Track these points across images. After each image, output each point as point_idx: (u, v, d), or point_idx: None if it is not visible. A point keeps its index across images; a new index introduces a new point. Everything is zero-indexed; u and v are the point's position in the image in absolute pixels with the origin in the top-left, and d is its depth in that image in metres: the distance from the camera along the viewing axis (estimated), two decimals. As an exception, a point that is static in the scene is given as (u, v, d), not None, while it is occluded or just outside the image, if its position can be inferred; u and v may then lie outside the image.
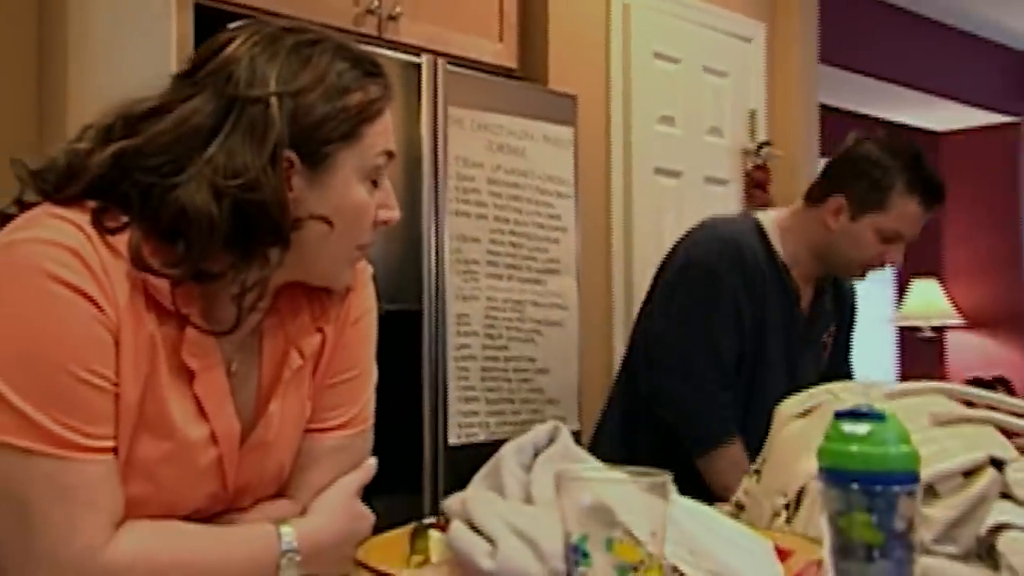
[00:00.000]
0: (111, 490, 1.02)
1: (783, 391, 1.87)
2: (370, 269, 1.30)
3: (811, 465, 1.22)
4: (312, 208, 1.11)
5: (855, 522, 0.86)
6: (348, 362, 1.24)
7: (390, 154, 1.18)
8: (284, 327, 1.18)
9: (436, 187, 2.47)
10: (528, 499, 1.08)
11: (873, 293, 7.54)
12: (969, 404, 1.32)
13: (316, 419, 1.21)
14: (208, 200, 1.04)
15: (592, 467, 1.08)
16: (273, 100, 1.08)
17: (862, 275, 2.18)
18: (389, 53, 2.41)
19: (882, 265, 2.13)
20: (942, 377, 7.19)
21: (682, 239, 2.22)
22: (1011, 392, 6.26)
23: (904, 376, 7.36)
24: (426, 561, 1.13)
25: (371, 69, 1.16)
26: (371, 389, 1.28)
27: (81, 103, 2.52)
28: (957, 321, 7.20)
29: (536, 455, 1.16)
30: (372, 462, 1.25)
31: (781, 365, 2.14)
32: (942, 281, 7.29)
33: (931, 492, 1.13)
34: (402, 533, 1.16)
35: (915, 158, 2.07)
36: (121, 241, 1.04)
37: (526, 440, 1.17)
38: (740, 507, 1.44)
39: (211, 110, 1.08)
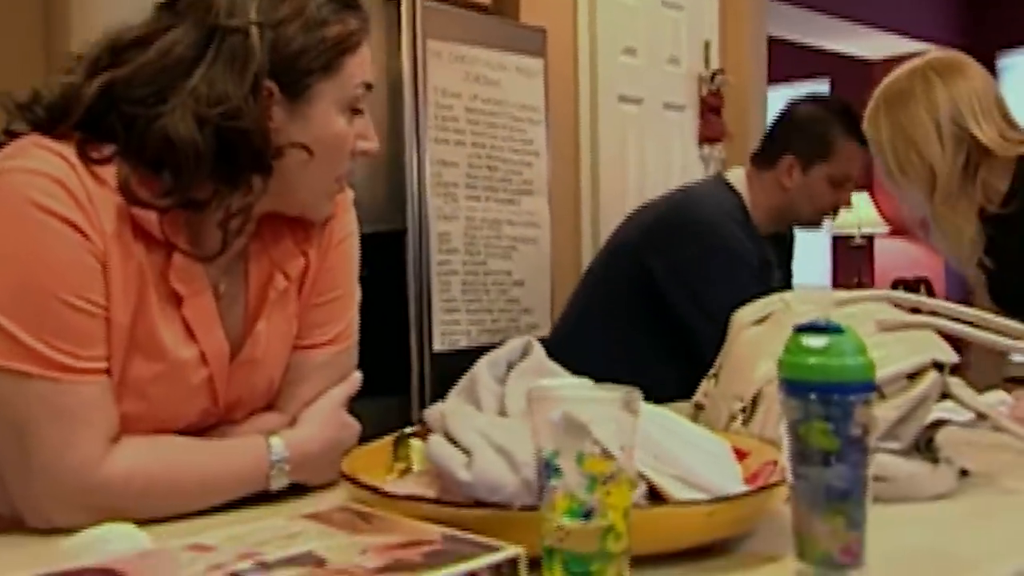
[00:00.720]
0: (105, 408, 0.95)
1: None
2: (351, 194, 1.21)
3: (766, 370, 1.16)
4: (292, 137, 1.04)
5: (813, 430, 0.80)
6: (332, 283, 1.17)
7: (368, 86, 1.10)
8: (268, 251, 1.11)
9: (417, 116, 2.38)
10: (502, 411, 1.01)
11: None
12: (915, 311, 1.25)
13: (303, 336, 1.14)
14: (192, 128, 0.96)
15: (563, 383, 1.01)
16: (253, 30, 0.99)
17: (820, 224, 2.19)
18: (371, -9, 2.30)
19: (836, 210, 2.14)
20: (871, 280, 7.22)
21: (675, 205, 2.17)
22: (931, 291, 6.28)
23: (837, 280, 7.37)
24: (407, 469, 1.07)
25: (349, 2, 1.07)
26: (355, 308, 1.21)
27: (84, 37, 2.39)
28: (884, 229, 7.18)
29: (510, 369, 1.08)
30: (357, 376, 1.19)
31: None
32: (872, 193, 7.25)
33: (878, 393, 1.07)
34: (384, 443, 1.09)
35: (845, 108, 2.12)
36: (107, 172, 0.96)
37: (500, 354, 1.09)
38: (699, 407, 1.38)
39: (192, 40, 0.99)
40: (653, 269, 2.07)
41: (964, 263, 1.88)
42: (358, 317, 1.21)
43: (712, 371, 1.40)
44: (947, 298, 6.62)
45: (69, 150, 0.94)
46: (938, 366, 1.09)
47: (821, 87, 6.81)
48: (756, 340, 1.29)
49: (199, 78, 0.97)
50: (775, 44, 4.18)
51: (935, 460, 1.11)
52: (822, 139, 2.07)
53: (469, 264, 2.49)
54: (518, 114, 2.61)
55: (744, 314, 1.43)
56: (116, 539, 0.82)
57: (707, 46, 3.45)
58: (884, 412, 1.08)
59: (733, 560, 0.88)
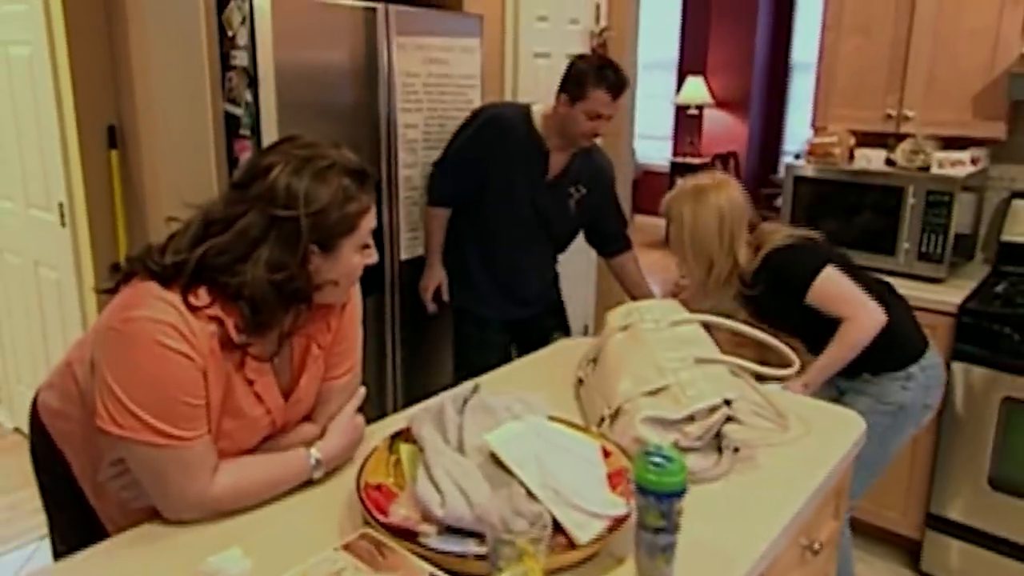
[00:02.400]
0: (209, 455, 1.06)
1: (529, 212, 2.30)
2: None
3: (625, 389, 1.31)
4: (325, 276, 1.10)
5: (650, 514, 0.95)
6: (345, 335, 1.28)
7: (373, 230, 1.14)
8: (306, 328, 1.17)
9: (389, 93, 2.33)
10: (461, 442, 1.13)
11: (661, 85, 7.45)
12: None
13: (329, 370, 1.24)
14: (263, 288, 1.02)
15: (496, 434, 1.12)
16: (303, 220, 1.03)
17: (588, 142, 2.30)
18: (353, 3, 2.17)
19: (593, 136, 2.24)
20: (700, 142, 7.28)
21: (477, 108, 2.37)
22: (737, 162, 6.37)
23: (678, 140, 7.41)
24: (398, 461, 1.19)
25: (364, 178, 1.11)
26: (359, 346, 1.30)
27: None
28: (711, 103, 7.19)
29: (465, 403, 1.20)
30: (362, 391, 1.29)
31: (526, 190, 2.29)
32: (705, 76, 7.19)
33: (691, 419, 1.23)
34: (382, 448, 1.21)
35: (603, 66, 2.17)
36: (204, 312, 1.01)
37: (459, 392, 1.21)
38: (581, 382, 1.52)
39: (261, 225, 1.03)
40: None
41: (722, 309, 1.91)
42: (361, 351, 1.30)
43: (591, 355, 1.53)
44: (747, 167, 6.77)
45: (177, 299, 0.99)
46: (728, 402, 1.25)
47: None
48: (621, 352, 1.42)
49: (266, 252, 1.01)
50: None
51: (719, 450, 1.28)
52: (582, 86, 2.14)
53: (425, 195, 2.51)
54: (461, 82, 2.56)
55: (614, 317, 1.55)
56: (229, 564, 0.95)
57: (597, 7, 3.33)
58: (694, 430, 1.24)
59: (596, 563, 1.03)
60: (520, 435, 1.13)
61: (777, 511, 1.17)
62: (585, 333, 3.64)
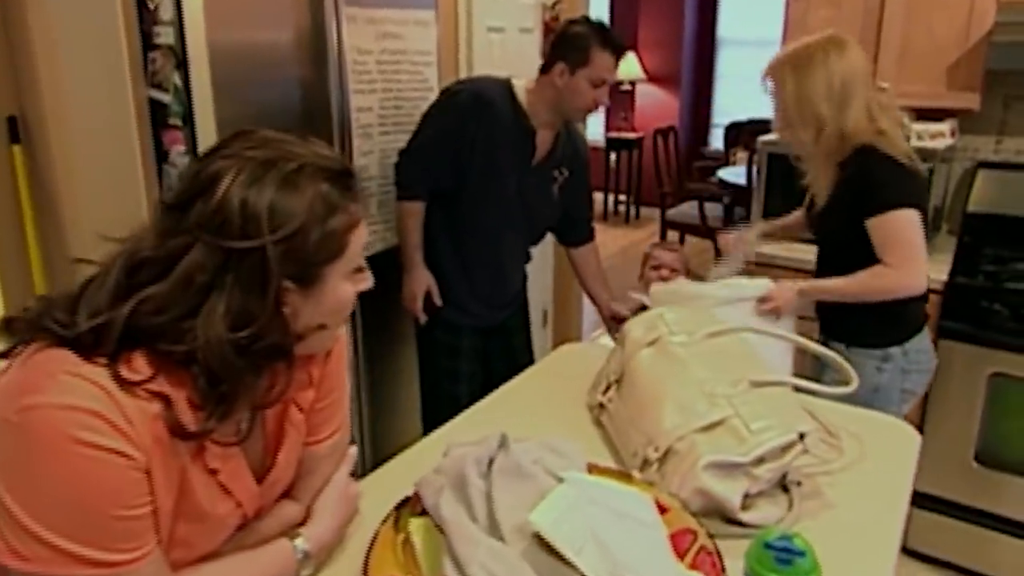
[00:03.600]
0: (160, 573, 0.73)
1: (514, 201, 1.97)
2: None
3: (673, 424, 1.04)
4: (308, 320, 0.78)
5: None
6: (330, 388, 0.95)
7: (365, 246, 0.82)
8: None
9: (340, 73, 1.98)
10: (493, 520, 0.85)
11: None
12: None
13: (311, 434, 0.93)
14: (224, 352, 0.68)
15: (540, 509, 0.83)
16: (269, 249, 0.69)
17: (584, 117, 2.03)
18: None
19: (596, 106, 1.93)
20: (633, 117, 7.07)
21: (450, 85, 1.99)
22: (676, 137, 6.19)
23: (611, 117, 7.18)
24: (407, 539, 0.91)
25: (348, 181, 0.78)
26: (347, 399, 0.98)
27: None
28: (643, 78, 6.98)
29: (491, 463, 0.91)
30: (353, 451, 0.99)
31: (512, 176, 1.96)
32: (637, 52, 6.97)
33: (760, 460, 0.98)
34: (387, 527, 0.91)
35: (602, 26, 1.89)
36: (142, 387, 0.68)
37: (481, 453, 0.92)
38: (603, 407, 1.25)
39: (211, 266, 0.69)
40: None
41: (817, 198, 1.78)
42: (348, 402, 0.99)
43: (613, 376, 1.26)
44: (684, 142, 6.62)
45: (103, 373, 0.66)
46: (802, 435, 1.00)
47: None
48: (655, 374, 1.16)
49: (223, 302, 0.68)
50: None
51: (784, 488, 1.05)
52: (584, 51, 1.85)
53: (384, 186, 2.19)
54: (416, 59, 2.22)
55: (634, 328, 1.29)
56: None
57: (550, -21, 3.01)
58: (763, 473, 0.99)
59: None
60: (570, 506, 0.85)
61: (876, 562, 0.94)
62: (544, 322, 3.37)
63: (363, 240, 0.81)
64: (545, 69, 1.91)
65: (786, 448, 0.98)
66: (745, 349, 1.18)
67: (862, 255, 1.62)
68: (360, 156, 2.08)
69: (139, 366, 0.69)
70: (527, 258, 2.22)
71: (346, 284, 0.79)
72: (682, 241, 5.59)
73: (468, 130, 1.88)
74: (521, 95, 1.93)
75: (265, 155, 0.73)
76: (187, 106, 1.72)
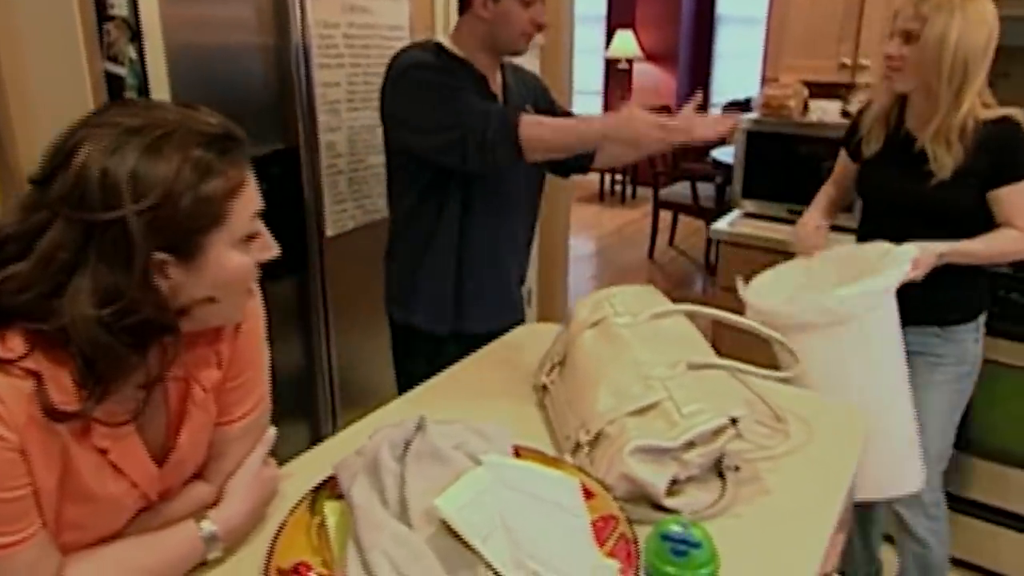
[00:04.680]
0: (46, 558, 0.72)
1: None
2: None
3: (607, 407, 1.01)
4: (193, 293, 0.74)
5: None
6: (243, 366, 0.90)
7: (259, 212, 0.78)
8: (184, 364, 0.82)
9: (304, 47, 1.92)
10: (403, 505, 0.82)
11: (591, 38, 7.06)
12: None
13: (222, 414, 0.89)
14: (94, 332, 0.65)
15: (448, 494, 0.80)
16: (131, 220, 0.65)
17: (526, 43, 1.66)
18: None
19: (536, 28, 1.63)
20: (630, 95, 6.97)
21: (394, 62, 1.64)
22: (669, 112, 6.11)
23: (608, 94, 7.08)
24: (323, 523, 0.88)
25: (227, 145, 0.73)
26: (265, 376, 0.95)
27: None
28: (641, 56, 6.86)
29: (407, 447, 0.88)
30: (271, 433, 0.96)
31: None
32: (635, 30, 6.85)
33: (691, 444, 0.95)
34: (302, 510, 0.89)
35: None
36: (15, 365, 0.65)
37: (396, 435, 0.89)
38: (545, 389, 1.21)
39: (71, 242, 0.65)
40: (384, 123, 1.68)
41: (938, 166, 1.57)
42: (268, 379, 0.95)
43: (557, 358, 1.22)
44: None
45: None
46: (734, 420, 0.97)
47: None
48: (595, 356, 1.12)
49: (88, 280, 0.65)
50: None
51: (721, 474, 1.01)
52: None
53: (352, 163, 2.14)
54: (387, 34, 2.16)
55: (581, 309, 1.25)
56: None
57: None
58: (694, 457, 0.95)
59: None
60: (481, 491, 0.82)
61: (804, 550, 0.91)
62: (528, 301, 3.34)
63: (252, 206, 0.76)
64: (464, 7, 1.64)
65: (718, 432, 0.95)
66: (688, 330, 1.14)
67: (970, 227, 1.57)
68: (327, 132, 2.03)
69: (14, 344, 0.66)
70: (530, 238, 1.88)
71: (233, 253, 0.75)
72: (674, 222, 5.53)
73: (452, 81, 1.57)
74: (450, 46, 1.66)
75: (132, 123, 0.69)
76: (142, 79, 1.67)
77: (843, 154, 1.87)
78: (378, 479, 0.85)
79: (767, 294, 1.55)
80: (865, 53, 2.36)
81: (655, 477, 0.91)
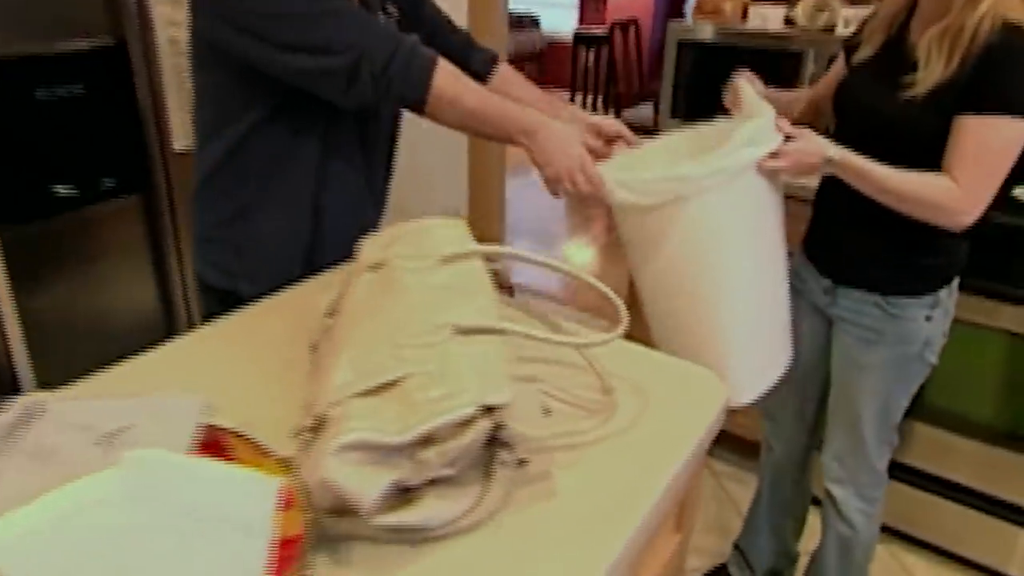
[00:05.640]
0: None
1: None
2: None
3: (342, 382, 0.75)
4: None
5: None
6: None
7: None
8: None
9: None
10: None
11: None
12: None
13: None
14: None
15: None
16: None
17: None
18: None
19: None
20: (604, 12, 6.48)
21: None
22: (638, 30, 5.59)
23: (584, 10, 6.57)
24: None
25: None
26: None
27: None
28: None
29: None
30: None
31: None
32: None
33: (428, 440, 0.70)
34: None
35: None
36: None
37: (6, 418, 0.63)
38: (314, 348, 0.95)
39: None
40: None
41: (921, 78, 1.24)
42: None
43: (331, 307, 0.96)
44: (651, 35, 5.94)
45: None
46: (491, 408, 0.72)
47: None
48: (362, 308, 0.86)
49: None
50: None
51: (489, 474, 0.77)
52: None
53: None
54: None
55: (370, 245, 0.98)
56: None
57: None
58: (433, 457, 0.71)
59: None
60: (73, 512, 0.57)
61: (577, 570, 0.67)
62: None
63: None
64: None
65: (465, 424, 0.70)
66: (481, 281, 0.88)
67: (928, 164, 1.23)
68: (168, 26, 1.69)
69: None
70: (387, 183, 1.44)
71: None
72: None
73: None
74: None
75: None
76: None
77: (841, 58, 1.52)
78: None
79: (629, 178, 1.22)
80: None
81: (365, 485, 0.66)
